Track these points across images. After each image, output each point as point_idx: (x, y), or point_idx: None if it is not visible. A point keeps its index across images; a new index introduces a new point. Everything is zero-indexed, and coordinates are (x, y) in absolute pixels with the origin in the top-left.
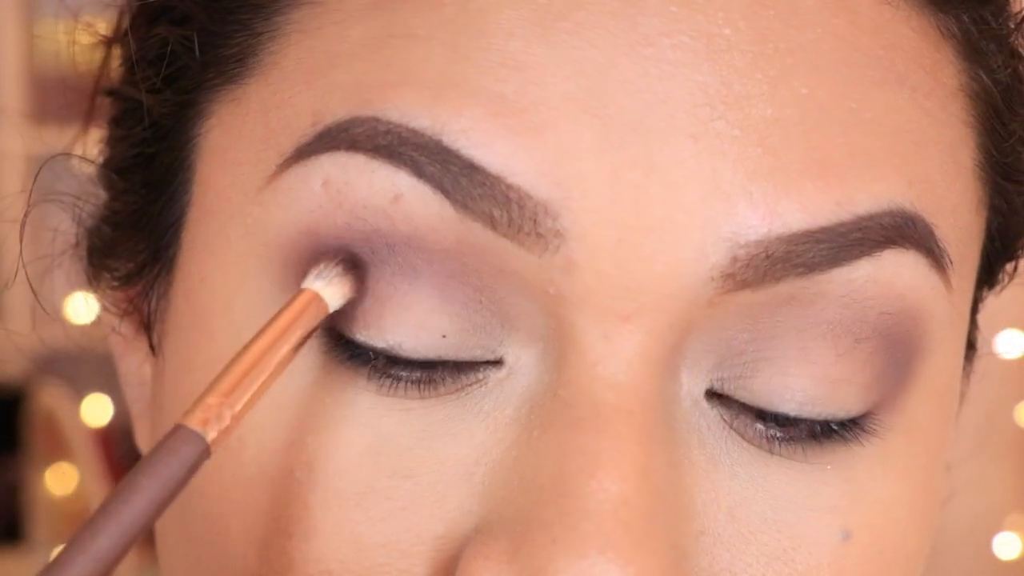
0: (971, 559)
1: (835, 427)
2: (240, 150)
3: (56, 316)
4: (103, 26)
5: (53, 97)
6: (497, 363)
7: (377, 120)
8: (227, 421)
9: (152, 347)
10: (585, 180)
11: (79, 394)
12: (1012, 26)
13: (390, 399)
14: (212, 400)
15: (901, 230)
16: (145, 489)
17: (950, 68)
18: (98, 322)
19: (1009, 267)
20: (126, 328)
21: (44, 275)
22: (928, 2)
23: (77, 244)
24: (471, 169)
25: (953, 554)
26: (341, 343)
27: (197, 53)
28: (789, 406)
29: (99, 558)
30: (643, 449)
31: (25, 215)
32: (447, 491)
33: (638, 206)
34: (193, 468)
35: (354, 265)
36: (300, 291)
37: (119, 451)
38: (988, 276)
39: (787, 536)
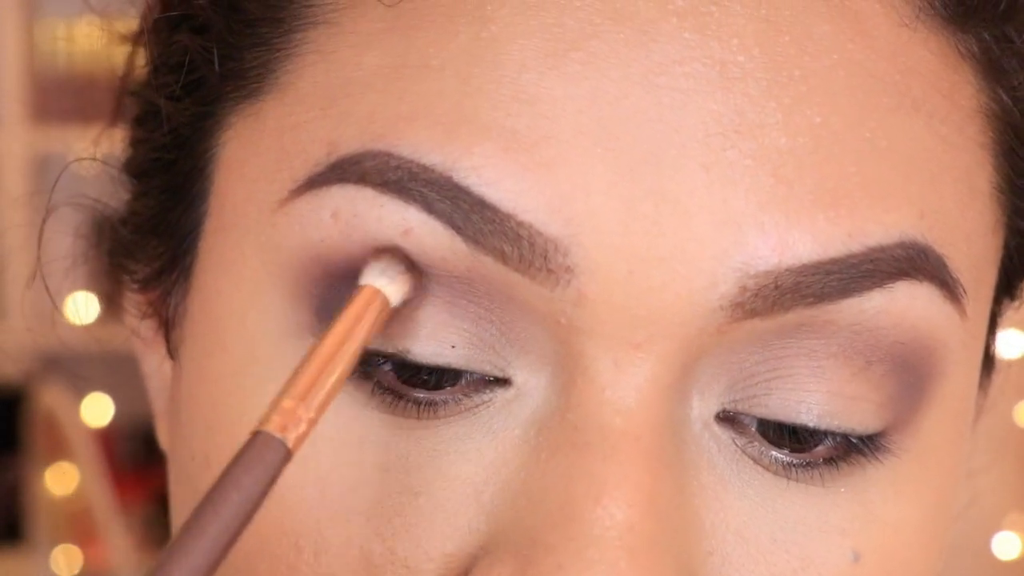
0: (971, 559)
1: (854, 440)
2: (256, 166)
3: (57, 316)
4: (118, 25)
5: (53, 97)
6: (505, 383)
7: (389, 155)
8: (304, 425)
9: (170, 351)
10: (596, 215)
11: (79, 394)
12: None
13: (397, 417)
14: (288, 403)
15: (914, 262)
16: (234, 500)
17: (968, 89)
18: (99, 322)
19: None
20: (146, 329)
21: (45, 275)
22: (948, 22)
23: (98, 243)
24: (481, 206)
25: (953, 554)
26: None
27: (216, 65)
28: (807, 418)
29: (196, 572)
30: (650, 474)
31: (44, 219)
32: (457, 509)
33: (649, 237)
34: (277, 474)
35: (413, 265)
36: (362, 287)
37: (119, 451)
38: (1007, 290)
39: (796, 557)
